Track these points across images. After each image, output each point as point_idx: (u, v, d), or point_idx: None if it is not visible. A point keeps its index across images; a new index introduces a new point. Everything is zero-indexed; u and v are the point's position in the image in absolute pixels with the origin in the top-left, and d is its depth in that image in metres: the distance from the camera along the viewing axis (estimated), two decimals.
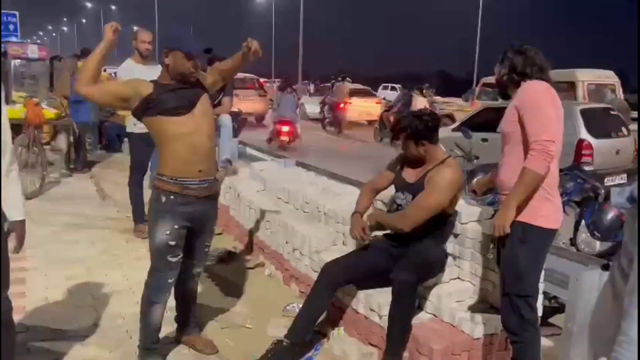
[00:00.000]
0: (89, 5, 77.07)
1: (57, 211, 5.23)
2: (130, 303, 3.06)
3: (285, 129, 10.91)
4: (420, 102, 11.66)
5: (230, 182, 4.93)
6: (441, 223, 2.78)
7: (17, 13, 19.95)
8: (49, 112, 6.95)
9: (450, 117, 13.13)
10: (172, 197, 2.42)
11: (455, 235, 2.93)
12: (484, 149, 6.47)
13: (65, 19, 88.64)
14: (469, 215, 2.92)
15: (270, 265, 3.96)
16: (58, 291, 3.38)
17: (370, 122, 16.48)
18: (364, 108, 16.96)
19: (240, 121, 12.21)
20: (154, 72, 4.81)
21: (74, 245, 4.30)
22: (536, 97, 2.30)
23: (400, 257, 2.69)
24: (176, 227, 2.44)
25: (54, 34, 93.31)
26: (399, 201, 2.85)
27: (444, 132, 7.68)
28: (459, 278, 2.93)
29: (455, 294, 2.80)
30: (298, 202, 4.01)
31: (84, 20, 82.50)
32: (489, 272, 2.76)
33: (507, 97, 2.50)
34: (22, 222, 2.00)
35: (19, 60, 11.06)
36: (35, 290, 3.37)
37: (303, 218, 3.86)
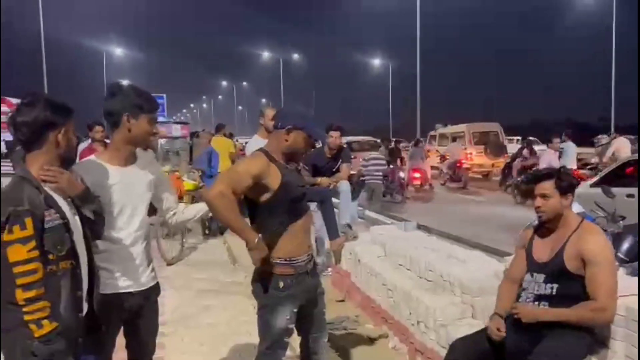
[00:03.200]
0: (224, 83, 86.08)
1: (194, 277, 5.63)
2: None
3: (417, 175, 13.39)
4: (549, 154, 10.75)
5: (351, 247, 4.93)
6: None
7: (164, 95, 22.98)
8: (189, 184, 7.69)
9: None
10: (289, 280, 2.35)
11: None
12: (630, 206, 5.76)
13: (204, 97, 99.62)
14: (621, 289, 2.56)
15: (394, 336, 3.81)
16: (191, 356, 3.57)
17: (485, 175, 17.24)
18: (478, 161, 16.97)
19: (360, 183, 12.36)
20: None
21: (207, 310, 4.56)
22: None
23: (539, 339, 2.41)
24: (295, 310, 2.40)
25: (194, 111, 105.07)
26: (525, 285, 2.57)
27: (580, 188, 7.05)
28: None
29: None
30: (420, 269, 3.86)
31: (220, 97, 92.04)
32: None
33: None
34: None
35: (164, 140, 12.59)
36: (172, 355, 3.60)
37: (427, 287, 3.69)
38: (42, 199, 1.77)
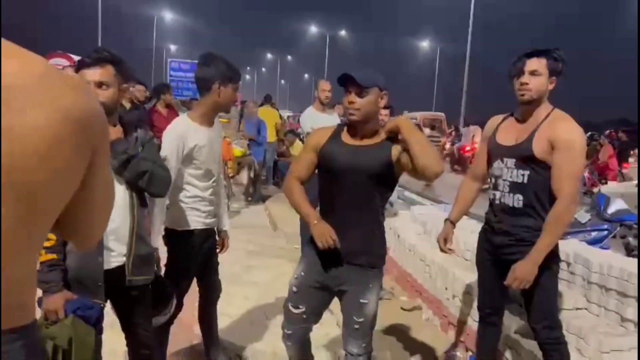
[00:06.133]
0: (269, 56, 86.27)
1: (239, 238, 5.93)
2: None
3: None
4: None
5: (391, 223, 5.10)
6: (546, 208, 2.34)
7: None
8: (237, 151, 7.99)
9: None
10: None
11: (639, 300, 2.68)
12: None
13: (248, 68, 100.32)
14: None
15: (427, 309, 3.99)
16: (237, 308, 3.86)
17: None
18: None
19: None
20: (332, 119, 5.37)
21: (251, 270, 4.85)
22: None
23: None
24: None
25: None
26: (497, 172, 2.47)
27: (627, 186, 6.96)
28: None
29: None
30: (459, 249, 4.00)
31: (263, 69, 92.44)
32: None
33: None
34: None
35: None
36: (220, 305, 3.88)
37: (464, 265, 3.83)
38: None
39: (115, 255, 2.02)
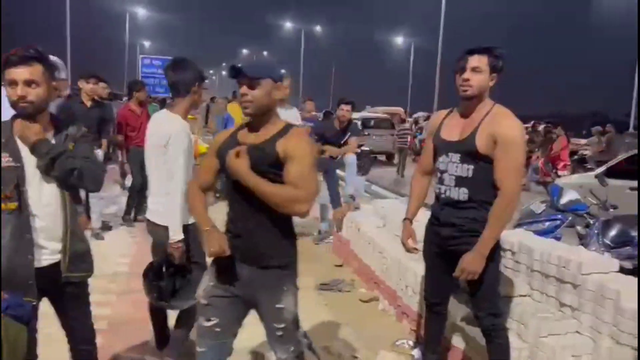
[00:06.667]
0: (244, 51, 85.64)
1: None
2: None
3: None
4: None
5: (353, 217, 5.17)
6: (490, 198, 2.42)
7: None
8: (202, 147, 7.95)
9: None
10: None
11: (575, 286, 2.79)
12: (631, 198, 5.89)
13: (224, 64, 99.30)
14: (592, 266, 2.76)
15: (384, 300, 4.06)
16: None
17: None
18: None
19: (368, 159, 12.64)
20: (291, 113, 5.42)
21: None
22: None
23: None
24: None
25: (213, 77, 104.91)
26: (443, 166, 2.54)
27: (585, 177, 7.17)
28: (577, 332, 2.76)
29: (571, 348, 2.64)
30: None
31: (239, 65, 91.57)
32: (611, 327, 2.58)
33: None
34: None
35: None
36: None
37: (417, 257, 3.91)
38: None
39: (48, 252, 2.02)
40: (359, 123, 16.06)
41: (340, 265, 5.05)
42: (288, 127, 2.02)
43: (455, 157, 2.49)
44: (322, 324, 3.67)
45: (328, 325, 3.67)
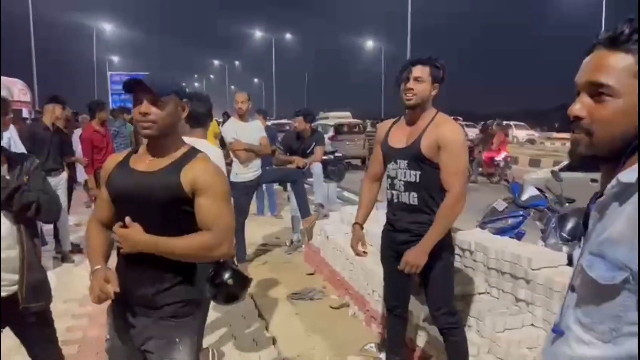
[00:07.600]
0: (216, 62, 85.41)
1: None
2: None
3: None
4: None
5: (322, 225, 5.25)
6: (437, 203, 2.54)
7: (148, 74, 23.00)
8: None
9: None
10: None
11: (527, 281, 2.92)
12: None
13: (195, 76, 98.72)
14: (541, 261, 2.90)
15: (354, 305, 4.15)
16: None
17: None
18: None
19: (342, 165, 12.78)
20: (253, 125, 5.49)
21: None
22: None
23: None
24: None
25: (187, 90, 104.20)
26: (392, 173, 2.65)
27: (544, 173, 7.40)
28: (532, 325, 2.89)
29: (526, 341, 2.77)
30: (378, 244, 4.17)
31: (212, 76, 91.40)
32: None
33: None
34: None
35: None
36: None
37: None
38: None
39: (6, 284, 2.05)
40: (332, 129, 16.31)
41: (312, 274, 5.12)
42: (193, 152, 1.75)
43: (403, 163, 2.61)
44: (293, 333, 3.73)
45: (299, 335, 3.73)
